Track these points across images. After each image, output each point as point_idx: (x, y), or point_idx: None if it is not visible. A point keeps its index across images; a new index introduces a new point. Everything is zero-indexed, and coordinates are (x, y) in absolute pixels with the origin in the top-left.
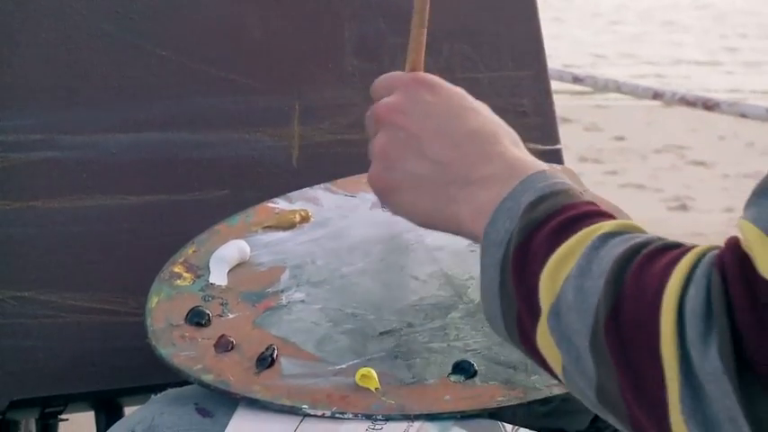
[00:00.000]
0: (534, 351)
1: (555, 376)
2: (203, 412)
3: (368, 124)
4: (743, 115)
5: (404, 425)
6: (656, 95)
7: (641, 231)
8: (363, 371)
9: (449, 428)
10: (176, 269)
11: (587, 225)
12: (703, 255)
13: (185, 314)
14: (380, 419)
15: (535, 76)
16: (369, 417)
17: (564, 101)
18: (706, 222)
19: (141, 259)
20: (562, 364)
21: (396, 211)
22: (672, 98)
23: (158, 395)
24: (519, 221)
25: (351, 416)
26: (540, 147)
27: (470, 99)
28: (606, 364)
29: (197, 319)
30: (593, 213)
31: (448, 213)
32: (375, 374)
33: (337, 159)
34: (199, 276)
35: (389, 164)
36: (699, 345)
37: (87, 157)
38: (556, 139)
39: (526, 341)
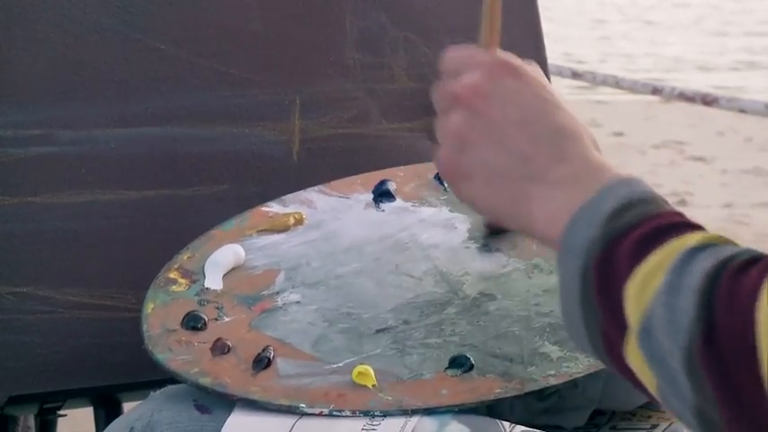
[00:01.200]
0: (623, 367)
1: (648, 395)
2: (202, 409)
3: (439, 99)
4: (741, 111)
5: (401, 420)
6: (655, 91)
7: (730, 243)
8: (360, 368)
9: (447, 423)
10: (171, 275)
11: (674, 237)
12: None
13: (181, 319)
14: (378, 416)
15: None
16: (366, 413)
17: (563, 96)
18: (705, 218)
19: (140, 254)
20: (656, 385)
21: (463, 199)
22: (671, 94)
23: (157, 392)
24: (600, 229)
25: (348, 413)
26: None
27: (554, 92)
28: (703, 386)
29: (193, 323)
30: (681, 224)
31: (520, 210)
32: (372, 371)
33: (338, 153)
34: (194, 281)
35: (463, 149)
36: None
37: (86, 152)
38: None
39: (615, 357)
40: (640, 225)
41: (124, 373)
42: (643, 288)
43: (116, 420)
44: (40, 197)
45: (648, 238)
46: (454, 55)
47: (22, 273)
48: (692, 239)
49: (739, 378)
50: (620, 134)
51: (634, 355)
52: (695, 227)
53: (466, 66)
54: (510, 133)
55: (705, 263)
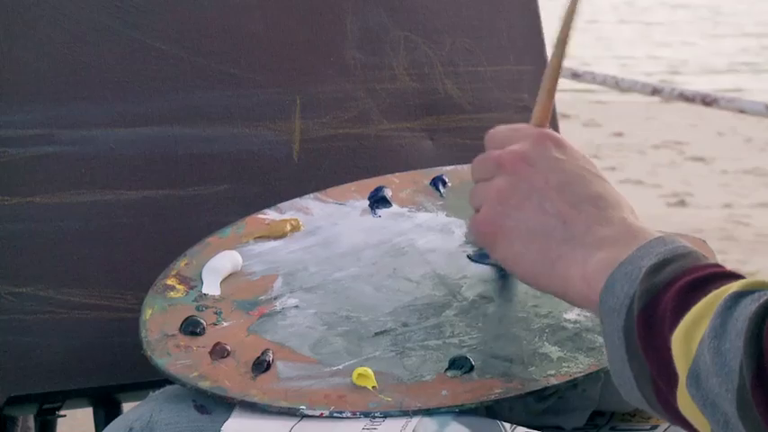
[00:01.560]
0: (677, 416)
1: None
2: (201, 409)
3: (480, 167)
4: (741, 111)
5: (402, 421)
6: (655, 91)
7: None
8: (360, 370)
9: (447, 423)
10: (169, 282)
11: (716, 287)
12: None
13: (180, 324)
14: (379, 417)
15: (536, 71)
16: (367, 415)
17: (562, 96)
18: (705, 218)
19: (140, 255)
20: (711, 430)
21: (500, 260)
22: (670, 94)
23: (157, 392)
24: (640, 285)
25: (349, 414)
26: None
27: (595, 165)
28: (757, 427)
29: (191, 328)
30: (721, 274)
31: (557, 271)
32: (372, 373)
33: (339, 153)
34: (192, 288)
35: (505, 211)
36: None
37: (86, 151)
38: None
39: (667, 407)
40: (680, 278)
41: (124, 374)
42: (689, 336)
43: (115, 420)
44: (40, 197)
45: (690, 289)
46: (500, 128)
47: (22, 273)
48: (734, 286)
49: None
50: (619, 134)
51: (685, 403)
52: (736, 276)
53: (511, 138)
54: (551, 197)
55: (750, 307)
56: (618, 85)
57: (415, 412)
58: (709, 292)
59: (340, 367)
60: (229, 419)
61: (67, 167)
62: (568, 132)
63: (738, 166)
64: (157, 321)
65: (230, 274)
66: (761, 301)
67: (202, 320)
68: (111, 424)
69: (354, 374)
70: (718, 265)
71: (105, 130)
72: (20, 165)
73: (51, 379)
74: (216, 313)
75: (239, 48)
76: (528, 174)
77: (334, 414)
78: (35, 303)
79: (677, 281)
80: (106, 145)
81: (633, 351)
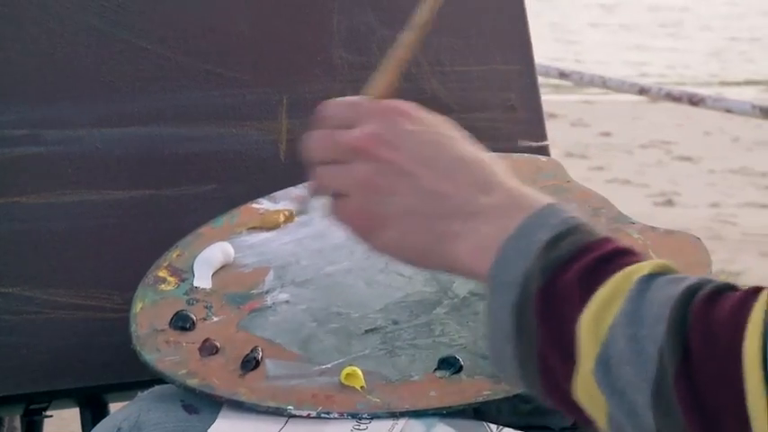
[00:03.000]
0: (565, 400)
1: (589, 424)
2: (189, 409)
3: (323, 147)
4: (728, 110)
5: (389, 423)
6: (642, 91)
7: (676, 271)
8: (348, 370)
9: (434, 425)
10: (161, 273)
11: (618, 266)
12: None
13: (169, 319)
14: (366, 418)
15: (522, 70)
16: (354, 416)
17: (550, 96)
18: (692, 217)
19: (127, 255)
20: (608, 414)
21: (382, 250)
22: (658, 94)
23: (144, 392)
24: (537, 261)
25: (336, 415)
26: (527, 143)
27: (452, 126)
28: (672, 418)
29: (181, 323)
30: (620, 252)
31: (442, 249)
32: (360, 373)
33: None
34: (183, 280)
35: (378, 199)
36: None
37: (72, 151)
38: (543, 136)
39: (554, 389)
40: (580, 256)
41: (110, 374)
42: (598, 319)
43: (103, 420)
44: (27, 197)
45: (593, 269)
46: (336, 104)
47: (8, 273)
48: (643, 268)
49: (718, 412)
50: (607, 134)
51: (585, 388)
52: (632, 252)
53: (355, 115)
54: (420, 174)
55: (665, 291)
56: (605, 84)
57: (403, 413)
58: (614, 271)
59: (329, 366)
60: (216, 421)
61: (54, 167)
62: (556, 132)
63: (725, 166)
64: (147, 315)
65: (222, 266)
66: (678, 286)
67: (192, 315)
68: (99, 424)
69: (343, 374)
70: (610, 239)
71: (91, 130)
72: (6, 165)
73: (38, 379)
74: (206, 307)
75: (225, 47)
76: (390, 156)
77: (322, 414)
78: (21, 303)
79: (577, 259)
80: (92, 145)
81: (524, 328)
